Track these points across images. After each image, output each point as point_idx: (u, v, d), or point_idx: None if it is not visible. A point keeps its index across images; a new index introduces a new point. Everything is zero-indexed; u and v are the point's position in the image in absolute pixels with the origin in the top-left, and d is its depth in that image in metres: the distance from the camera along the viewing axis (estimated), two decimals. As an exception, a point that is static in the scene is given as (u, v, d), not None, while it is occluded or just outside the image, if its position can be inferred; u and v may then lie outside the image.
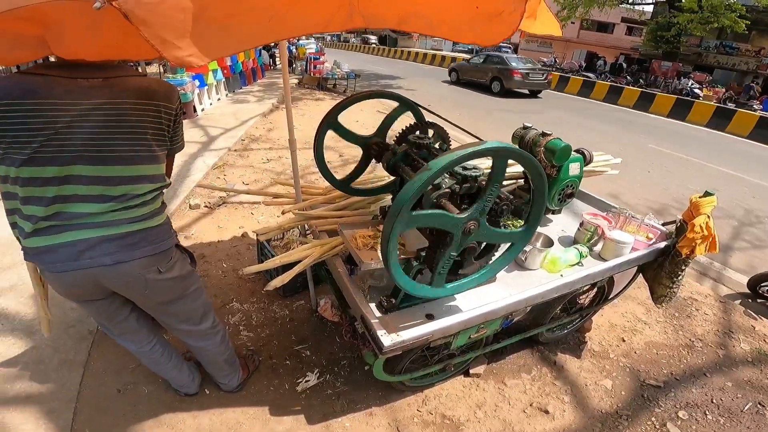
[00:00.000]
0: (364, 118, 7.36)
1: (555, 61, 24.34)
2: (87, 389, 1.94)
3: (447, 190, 1.29)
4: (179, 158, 4.51)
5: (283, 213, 1.86)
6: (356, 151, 1.86)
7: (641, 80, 19.37)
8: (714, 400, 2.26)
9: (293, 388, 2.05)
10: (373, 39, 37.92)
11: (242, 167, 4.93)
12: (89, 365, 2.06)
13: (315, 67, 10.83)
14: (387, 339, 1.36)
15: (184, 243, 3.18)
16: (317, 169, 1.90)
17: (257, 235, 1.81)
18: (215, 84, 7.91)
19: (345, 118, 1.83)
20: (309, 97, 9.86)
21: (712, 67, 21.81)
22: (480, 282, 1.53)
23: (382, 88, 12.51)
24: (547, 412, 2.06)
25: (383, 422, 1.94)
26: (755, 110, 12.79)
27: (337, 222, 1.76)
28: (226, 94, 8.86)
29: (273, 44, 15.31)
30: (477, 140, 1.21)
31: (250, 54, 10.61)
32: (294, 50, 13.91)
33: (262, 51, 12.97)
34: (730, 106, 13.15)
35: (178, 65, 0.87)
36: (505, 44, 29.11)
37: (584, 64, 24.42)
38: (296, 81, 11.69)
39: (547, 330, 2.27)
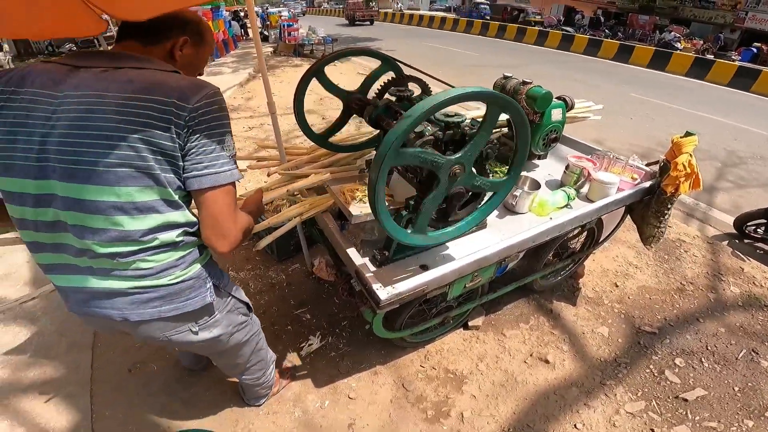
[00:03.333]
0: (345, 81, 7.20)
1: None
2: (99, 371, 1.96)
3: (430, 137, 1.29)
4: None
5: (268, 175, 1.84)
6: (338, 113, 1.83)
7: (619, 33, 19.09)
8: (709, 347, 2.26)
9: (297, 353, 2.08)
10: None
11: (223, 137, 4.84)
12: (96, 346, 2.08)
13: (289, 34, 10.66)
14: (383, 292, 1.34)
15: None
16: (301, 133, 1.87)
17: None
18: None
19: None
20: (286, 64, 9.60)
21: (689, 21, 21.37)
22: (469, 228, 1.53)
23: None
24: (547, 361, 2.09)
25: (388, 380, 1.98)
26: (734, 60, 12.97)
27: (324, 179, 1.75)
28: (199, 69, 8.57)
29: (243, 14, 14.75)
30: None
31: (219, 25, 10.15)
32: (266, 18, 13.54)
33: (232, 22, 12.43)
34: (709, 57, 13.20)
35: (126, 18, 0.88)
36: (482, 1, 28.18)
37: (563, 19, 23.83)
38: (271, 49, 11.39)
39: (541, 277, 2.29)
